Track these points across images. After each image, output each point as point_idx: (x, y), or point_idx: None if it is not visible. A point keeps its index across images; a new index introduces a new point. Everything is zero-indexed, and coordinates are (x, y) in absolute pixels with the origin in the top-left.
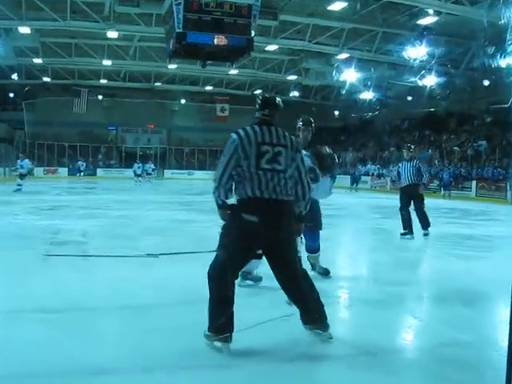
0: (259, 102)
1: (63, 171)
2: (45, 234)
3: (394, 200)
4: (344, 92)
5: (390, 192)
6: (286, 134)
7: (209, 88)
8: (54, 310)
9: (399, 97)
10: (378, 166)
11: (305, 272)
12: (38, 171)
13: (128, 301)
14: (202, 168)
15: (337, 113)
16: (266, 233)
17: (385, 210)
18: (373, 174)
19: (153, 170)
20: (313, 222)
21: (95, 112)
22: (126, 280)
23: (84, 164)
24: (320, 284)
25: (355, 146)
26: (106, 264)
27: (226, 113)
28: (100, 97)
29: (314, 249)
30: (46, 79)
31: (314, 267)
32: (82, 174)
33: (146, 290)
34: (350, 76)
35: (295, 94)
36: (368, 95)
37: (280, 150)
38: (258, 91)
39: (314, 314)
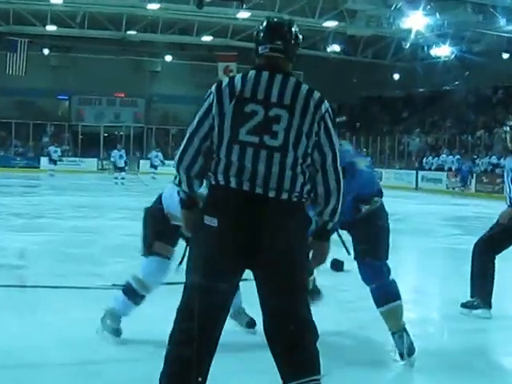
0: (263, 28)
1: None
2: None
3: (481, 207)
4: (407, 46)
5: (475, 196)
6: (303, 87)
7: (207, 39)
8: None
9: (490, 54)
10: (458, 156)
11: (311, 321)
12: None
13: (83, 354)
14: None
15: (397, 77)
16: (239, 247)
17: (466, 223)
18: (450, 170)
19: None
20: (369, 244)
21: (39, 74)
22: (82, 323)
23: (20, 150)
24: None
25: (423, 128)
26: (53, 298)
27: (233, 75)
28: (46, 51)
29: (386, 294)
30: None
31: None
32: (18, 163)
33: (108, 340)
34: (416, 22)
35: (335, 48)
36: (443, 51)
37: (278, 115)
38: None
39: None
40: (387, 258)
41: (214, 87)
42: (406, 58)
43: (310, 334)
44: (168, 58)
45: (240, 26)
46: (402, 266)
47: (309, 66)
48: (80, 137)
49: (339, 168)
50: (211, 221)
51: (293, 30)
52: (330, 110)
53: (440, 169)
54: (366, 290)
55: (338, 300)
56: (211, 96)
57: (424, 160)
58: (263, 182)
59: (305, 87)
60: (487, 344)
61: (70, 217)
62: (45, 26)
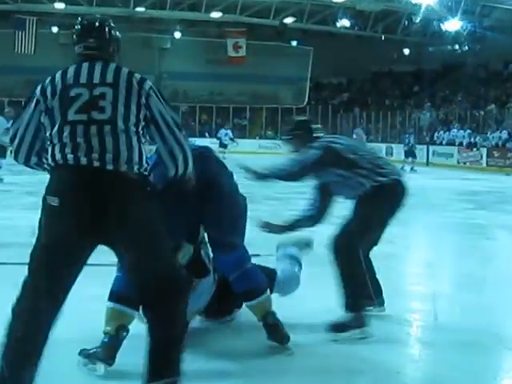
0: (76, 29)
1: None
2: None
3: (493, 182)
4: (418, 21)
5: (486, 170)
6: (124, 70)
7: (216, 15)
8: None
9: (501, 28)
10: (469, 131)
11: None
12: None
13: (94, 331)
14: (206, 134)
15: (407, 52)
16: (83, 222)
17: (478, 198)
18: (461, 144)
19: None
20: (221, 231)
21: (48, 52)
22: (94, 300)
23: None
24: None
25: (434, 102)
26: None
27: (242, 52)
28: (55, 29)
29: (244, 288)
30: None
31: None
32: None
33: None
34: None
35: (345, 23)
36: (454, 25)
37: (103, 92)
38: (289, 20)
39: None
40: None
41: (38, 88)
42: (417, 32)
43: (175, 296)
44: (177, 34)
45: (249, 2)
46: (415, 241)
47: (318, 41)
48: None
49: (177, 134)
50: (53, 200)
51: (105, 26)
52: (153, 87)
53: (451, 143)
54: (379, 266)
55: None
56: (36, 94)
57: (435, 134)
58: (99, 155)
59: (126, 69)
60: (500, 320)
61: None
62: (53, 4)
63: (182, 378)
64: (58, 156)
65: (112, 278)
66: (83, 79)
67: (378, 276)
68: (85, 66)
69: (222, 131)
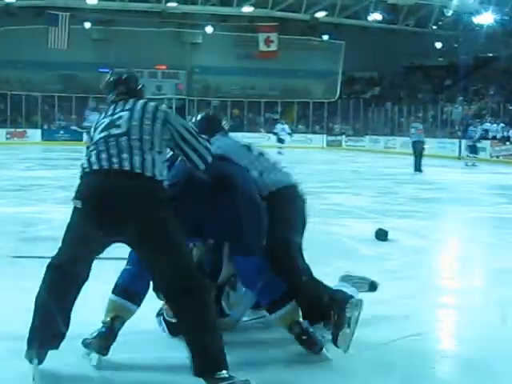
0: (110, 81)
1: (34, 135)
2: (10, 226)
3: None
4: (450, 14)
5: None
6: (142, 100)
7: (248, 9)
8: (25, 337)
9: None
10: (502, 124)
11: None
12: None
13: (131, 323)
14: (237, 128)
15: (439, 45)
16: (102, 220)
17: (511, 192)
18: (494, 138)
19: None
20: (236, 235)
21: (81, 47)
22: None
23: (63, 123)
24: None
25: (467, 96)
26: (100, 269)
27: (274, 46)
28: (87, 25)
29: (267, 301)
30: (9, 0)
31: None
32: (62, 136)
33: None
34: None
35: (377, 17)
36: (486, 18)
37: (121, 115)
38: (321, 14)
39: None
40: None
41: None
42: (449, 25)
43: (196, 289)
44: (209, 29)
45: None
46: (447, 235)
47: (350, 35)
48: None
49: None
50: (77, 203)
51: (130, 76)
52: (168, 110)
53: (484, 137)
54: (412, 260)
55: (383, 269)
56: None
57: (469, 128)
58: (118, 160)
59: (144, 100)
60: None
61: None
62: (85, 0)
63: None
64: (85, 164)
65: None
66: (109, 112)
67: (411, 271)
68: (115, 105)
69: (279, 126)
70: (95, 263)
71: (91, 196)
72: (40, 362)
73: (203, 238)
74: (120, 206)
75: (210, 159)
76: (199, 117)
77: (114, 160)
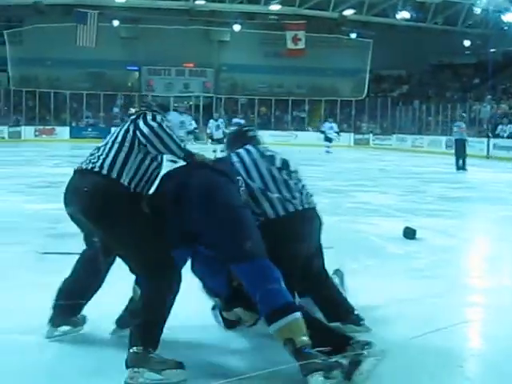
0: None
1: (63, 132)
2: (39, 222)
3: None
4: (479, 12)
5: None
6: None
7: (275, 8)
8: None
9: None
10: None
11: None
12: (28, 131)
13: None
14: (265, 126)
15: (467, 44)
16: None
17: None
18: None
19: (195, 128)
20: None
21: (109, 45)
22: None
23: (91, 121)
24: (445, 301)
25: (495, 94)
26: (126, 266)
27: (301, 44)
28: (116, 23)
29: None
30: None
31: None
32: (89, 134)
33: (185, 305)
34: None
35: (405, 15)
36: None
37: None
38: (349, 11)
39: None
40: None
41: None
42: (477, 23)
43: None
44: (236, 27)
45: None
46: (475, 234)
47: (378, 33)
48: None
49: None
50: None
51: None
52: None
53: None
54: (440, 259)
55: (410, 268)
56: None
57: (499, 127)
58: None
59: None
60: None
61: None
62: None
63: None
64: None
65: None
66: None
67: (439, 270)
68: None
69: (327, 124)
70: None
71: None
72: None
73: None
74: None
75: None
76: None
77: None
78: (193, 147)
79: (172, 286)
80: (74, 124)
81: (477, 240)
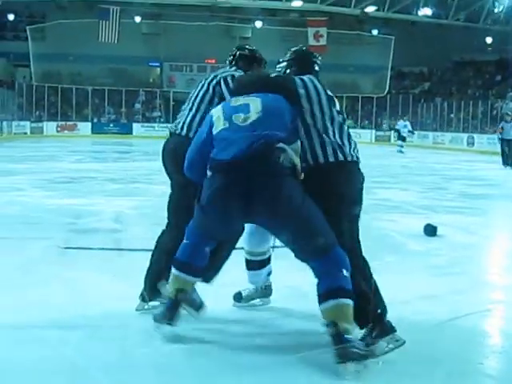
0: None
1: (84, 127)
2: (61, 217)
3: None
4: (501, 9)
5: None
6: None
7: (297, 4)
8: (76, 326)
9: None
10: None
11: None
12: (50, 127)
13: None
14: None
15: (489, 41)
16: None
17: None
18: None
19: None
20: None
21: (131, 41)
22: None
23: (113, 116)
24: (466, 298)
25: None
26: (148, 262)
27: (323, 41)
28: (138, 19)
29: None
30: None
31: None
32: (112, 129)
33: (208, 302)
34: None
35: (427, 12)
36: None
37: None
38: (371, 8)
39: None
40: None
41: None
42: (500, 20)
43: None
44: (258, 23)
45: None
46: (497, 232)
47: (399, 30)
48: (172, 103)
49: None
50: None
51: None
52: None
53: None
54: (460, 256)
55: (432, 265)
56: None
57: None
58: None
59: None
60: None
61: (164, 182)
62: None
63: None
64: None
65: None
66: None
67: (460, 267)
68: None
69: (401, 123)
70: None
71: None
72: None
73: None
74: None
75: None
76: (290, 54)
77: None
78: None
79: None
80: (95, 120)
81: (498, 237)
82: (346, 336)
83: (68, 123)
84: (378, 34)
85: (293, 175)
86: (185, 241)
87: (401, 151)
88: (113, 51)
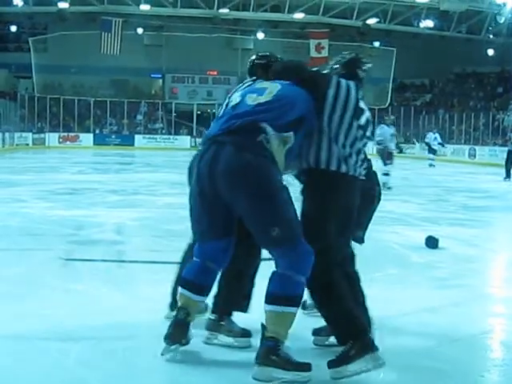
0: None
1: (86, 139)
2: (63, 229)
3: None
4: (502, 21)
5: None
6: None
7: (299, 16)
8: (77, 338)
9: None
10: None
11: None
12: (52, 138)
13: None
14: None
15: (491, 52)
16: None
17: None
18: None
19: None
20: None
21: (133, 53)
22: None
23: (115, 128)
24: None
25: None
26: (149, 273)
27: (325, 52)
28: (140, 30)
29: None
30: (63, 5)
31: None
32: (113, 141)
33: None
34: None
35: (429, 24)
36: None
37: None
38: (372, 20)
39: None
40: None
41: None
42: (501, 33)
43: None
44: (260, 35)
45: (332, 3)
46: (498, 244)
47: (401, 42)
48: (173, 114)
49: None
50: None
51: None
52: None
53: None
54: (462, 268)
55: (433, 277)
56: None
57: None
58: None
59: None
60: None
61: (165, 194)
62: (138, 6)
63: None
64: None
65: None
66: None
67: (461, 279)
68: None
69: (431, 135)
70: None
71: None
72: None
73: None
74: None
75: None
76: (340, 57)
77: None
78: None
79: None
80: (97, 131)
81: (499, 249)
82: (278, 345)
83: (70, 134)
84: (380, 45)
85: (267, 158)
86: (195, 259)
87: (432, 165)
88: (115, 63)
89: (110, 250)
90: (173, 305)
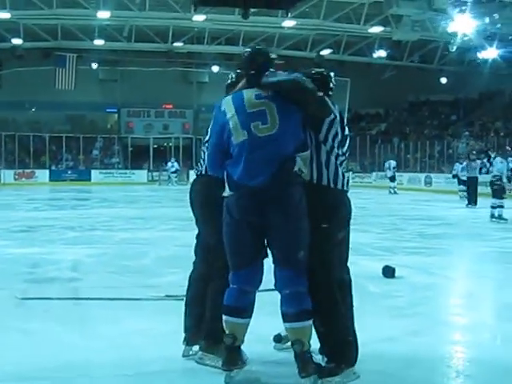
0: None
1: (42, 175)
2: (18, 267)
3: None
4: (454, 50)
5: None
6: None
7: None
8: (33, 378)
9: None
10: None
11: None
12: (7, 175)
13: (137, 365)
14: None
15: (444, 81)
16: None
17: None
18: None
19: (176, 170)
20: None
21: (88, 88)
22: (137, 335)
23: (71, 163)
24: (426, 340)
25: (472, 131)
26: (106, 311)
27: None
28: (94, 65)
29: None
30: (17, 41)
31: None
32: (70, 176)
33: (164, 351)
34: (462, 25)
35: (381, 54)
36: (491, 53)
37: None
38: (326, 51)
39: None
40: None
41: None
42: (453, 61)
43: None
44: (215, 68)
45: (286, 35)
46: (454, 271)
47: (355, 72)
48: (130, 149)
49: None
50: None
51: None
52: None
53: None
54: (419, 297)
55: (390, 306)
56: None
57: (479, 163)
58: None
59: None
60: None
61: (122, 229)
62: (92, 41)
63: None
64: None
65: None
66: None
67: (419, 308)
68: None
69: (457, 166)
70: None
71: None
72: None
73: None
74: None
75: None
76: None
77: None
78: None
79: None
80: (53, 167)
81: (456, 277)
82: (308, 353)
83: (26, 171)
84: (334, 76)
85: (301, 183)
86: (231, 285)
87: (465, 196)
88: (70, 98)
89: (66, 288)
90: (186, 339)
